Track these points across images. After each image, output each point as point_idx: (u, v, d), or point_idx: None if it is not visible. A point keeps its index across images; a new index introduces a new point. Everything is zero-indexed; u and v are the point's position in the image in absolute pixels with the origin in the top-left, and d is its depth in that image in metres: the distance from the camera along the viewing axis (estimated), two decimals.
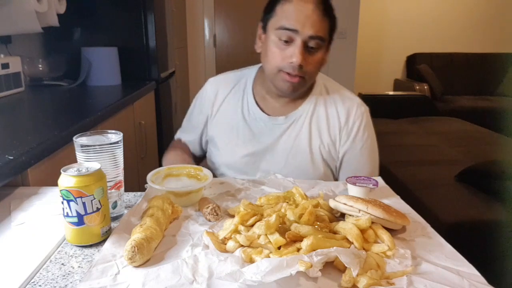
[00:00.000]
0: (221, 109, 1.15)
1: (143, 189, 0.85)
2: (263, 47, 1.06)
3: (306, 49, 0.98)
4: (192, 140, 1.22)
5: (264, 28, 1.05)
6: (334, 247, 0.57)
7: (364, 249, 0.62)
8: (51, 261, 0.61)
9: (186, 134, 1.24)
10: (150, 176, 0.81)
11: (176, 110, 2.76)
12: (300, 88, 1.05)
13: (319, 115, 1.09)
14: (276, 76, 1.02)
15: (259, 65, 1.15)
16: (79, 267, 0.59)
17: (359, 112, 1.10)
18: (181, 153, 1.15)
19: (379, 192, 0.86)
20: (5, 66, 1.60)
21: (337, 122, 1.09)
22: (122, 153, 0.75)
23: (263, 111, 1.11)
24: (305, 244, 0.58)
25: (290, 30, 0.96)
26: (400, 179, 2.01)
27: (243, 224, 0.65)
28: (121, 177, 0.75)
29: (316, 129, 1.09)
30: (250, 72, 1.17)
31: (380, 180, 0.94)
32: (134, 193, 0.88)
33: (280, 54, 0.99)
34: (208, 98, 1.18)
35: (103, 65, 2.08)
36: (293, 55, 0.97)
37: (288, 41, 0.98)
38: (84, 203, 0.62)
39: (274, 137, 1.09)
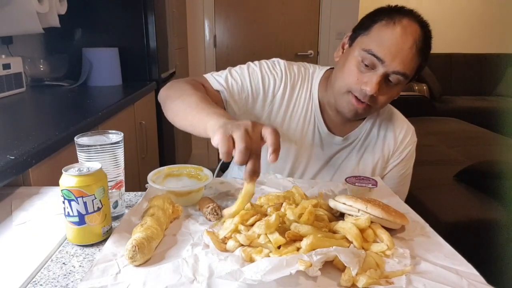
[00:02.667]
0: (290, 105, 1.04)
1: (144, 189, 0.86)
2: (342, 59, 0.98)
3: (385, 80, 0.90)
4: (220, 90, 1.00)
5: (352, 40, 0.96)
6: (334, 247, 0.57)
7: (363, 248, 0.62)
8: (52, 260, 0.61)
9: (219, 81, 1.01)
10: (150, 175, 0.82)
11: None
12: (363, 115, 1.00)
13: (375, 133, 1.07)
14: (343, 96, 0.95)
15: (324, 68, 1.08)
16: (80, 266, 0.60)
17: (413, 139, 1.10)
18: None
19: (378, 192, 0.86)
20: (7, 66, 1.61)
21: (392, 141, 1.07)
22: (123, 153, 0.75)
23: (324, 122, 1.05)
24: (304, 243, 0.59)
25: (377, 58, 0.88)
26: None
27: (243, 224, 0.66)
28: (122, 177, 0.76)
29: (369, 147, 1.07)
30: (315, 74, 1.07)
31: (379, 180, 0.94)
32: (134, 192, 0.88)
33: (357, 75, 0.91)
34: (279, 76, 1.04)
35: (104, 65, 2.08)
36: (368, 82, 0.89)
37: (369, 67, 0.90)
38: (85, 203, 0.62)
39: (327, 154, 1.06)
